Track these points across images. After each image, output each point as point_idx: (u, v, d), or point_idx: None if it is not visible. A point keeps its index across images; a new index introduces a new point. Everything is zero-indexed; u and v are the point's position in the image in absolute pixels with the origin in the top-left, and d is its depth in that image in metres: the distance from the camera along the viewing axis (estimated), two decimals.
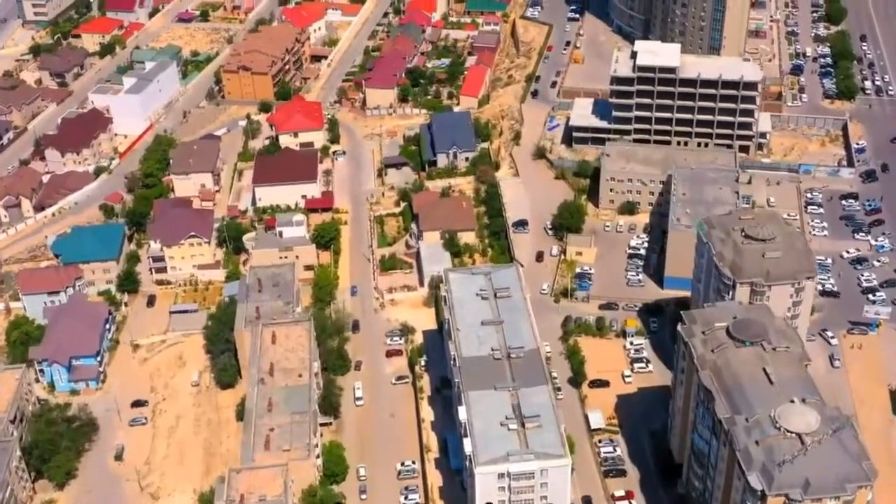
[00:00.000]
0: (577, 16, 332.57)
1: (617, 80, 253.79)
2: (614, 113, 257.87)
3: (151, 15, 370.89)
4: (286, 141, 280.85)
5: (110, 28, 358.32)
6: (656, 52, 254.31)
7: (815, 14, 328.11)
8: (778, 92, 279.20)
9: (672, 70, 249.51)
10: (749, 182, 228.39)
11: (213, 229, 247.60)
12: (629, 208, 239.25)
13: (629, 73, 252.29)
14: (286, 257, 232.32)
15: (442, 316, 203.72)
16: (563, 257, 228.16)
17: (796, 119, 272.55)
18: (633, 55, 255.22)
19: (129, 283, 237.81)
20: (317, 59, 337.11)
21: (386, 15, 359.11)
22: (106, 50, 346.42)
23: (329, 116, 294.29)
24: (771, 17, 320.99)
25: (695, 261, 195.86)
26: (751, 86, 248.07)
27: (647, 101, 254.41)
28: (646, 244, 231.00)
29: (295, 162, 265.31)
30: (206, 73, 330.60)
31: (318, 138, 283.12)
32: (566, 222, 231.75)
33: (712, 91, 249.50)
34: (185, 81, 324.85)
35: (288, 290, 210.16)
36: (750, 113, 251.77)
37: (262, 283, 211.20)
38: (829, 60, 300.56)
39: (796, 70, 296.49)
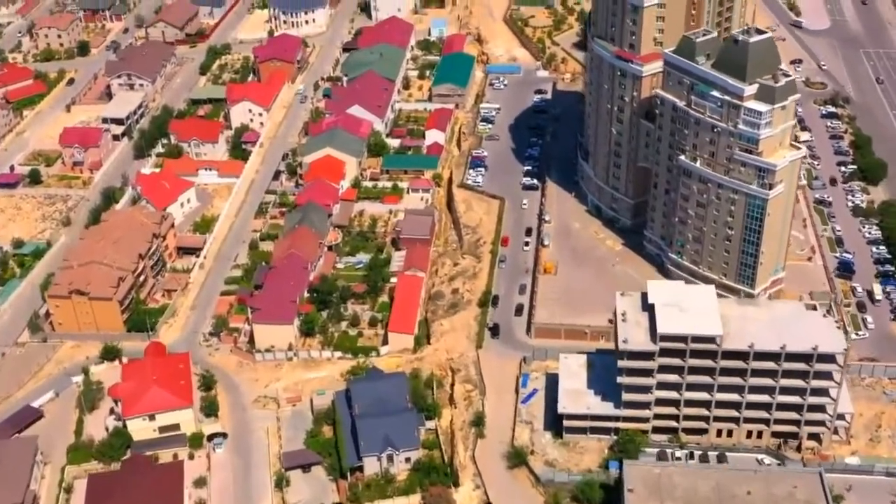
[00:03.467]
0: (535, 181, 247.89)
1: (629, 355, 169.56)
2: (625, 396, 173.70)
3: None
4: (138, 428, 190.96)
5: None
6: (683, 308, 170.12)
7: (843, 170, 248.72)
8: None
9: (712, 340, 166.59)
10: None
11: None
12: None
13: (646, 345, 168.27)
14: None
15: None
16: None
17: (870, 368, 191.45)
18: (648, 309, 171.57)
19: None
20: (186, 251, 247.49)
21: (277, 176, 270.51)
22: None
23: (200, 372, 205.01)
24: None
25: None
26: (828, 358, 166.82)
27: (673, 378, 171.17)
28: None
29: (148, 485, 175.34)
30: (31, 281, 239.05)
31: (187, 419, 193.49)
32: None
33: (771, 365, 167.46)
34: None
35: None
36: (825, 393, 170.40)
37: None
38: (882, 249, 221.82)
39: (845, 269, 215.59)
